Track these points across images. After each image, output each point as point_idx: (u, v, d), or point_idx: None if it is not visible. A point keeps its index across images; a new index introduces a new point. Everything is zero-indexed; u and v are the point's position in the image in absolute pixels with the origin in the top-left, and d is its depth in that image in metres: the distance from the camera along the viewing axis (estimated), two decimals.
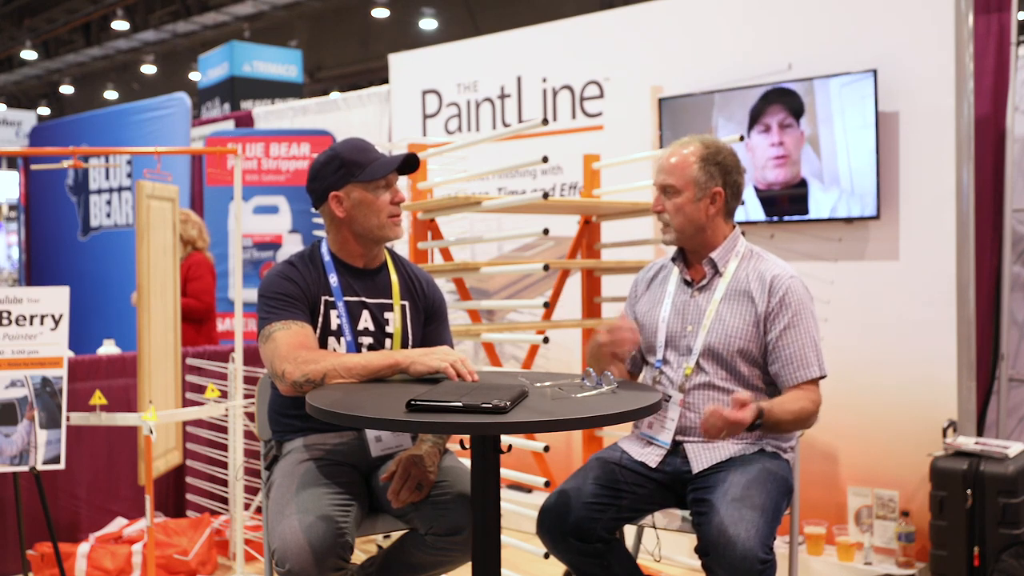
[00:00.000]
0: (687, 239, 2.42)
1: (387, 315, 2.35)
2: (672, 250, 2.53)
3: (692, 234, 2.40)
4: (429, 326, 2.44)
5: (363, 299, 2.34)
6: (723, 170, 2.40)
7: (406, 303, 2.39)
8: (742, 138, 3.59)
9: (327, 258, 2.36)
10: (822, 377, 2.35)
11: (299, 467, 2.20)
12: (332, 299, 2.31)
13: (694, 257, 2.46)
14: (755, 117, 3.77)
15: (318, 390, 2.05)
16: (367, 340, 2.31)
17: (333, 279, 2.32)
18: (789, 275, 2.38)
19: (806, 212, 3.67)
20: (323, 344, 2.28)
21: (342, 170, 2.30)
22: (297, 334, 2.19)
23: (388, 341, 2.34)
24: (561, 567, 2.41)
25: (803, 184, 3.67)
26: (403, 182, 3.89)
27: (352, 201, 2.30)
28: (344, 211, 2.31)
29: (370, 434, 2.29)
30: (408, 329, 2.37)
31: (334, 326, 2.29)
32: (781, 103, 3.70)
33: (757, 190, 3.79)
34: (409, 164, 2.35)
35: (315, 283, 2.30)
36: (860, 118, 3.50)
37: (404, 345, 2.35)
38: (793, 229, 3.76)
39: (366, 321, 2.32)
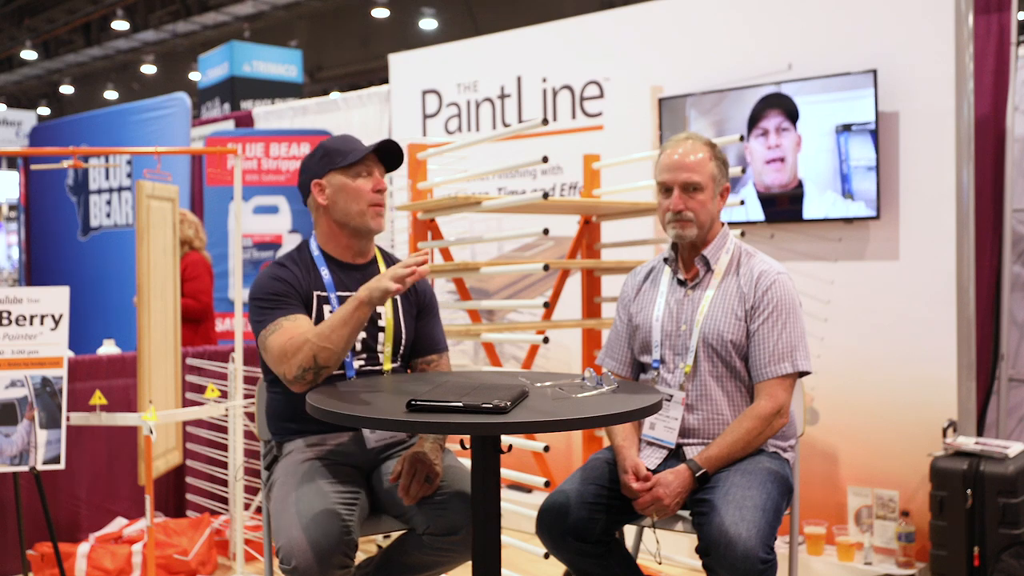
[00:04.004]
0: (701, 235, 2.42)
1: (378, 309, 2.34)
2: (662, 251, 2.55)
3: (707, 230, 2.43)
4: (420, 320, 2.43)
5: (354, 293, 2.33)
6: (726, 166, 2.46)
7: (397, 297, 2.39)
8: (742, 138, 3.59)
9: (316, 253, 2.36)
10: (801, 374, 2.36)
11: (302, 466, 2.20)
12: (325, 293, 2.31)
13: (688, 255, 2.46)
14: (753, 121, 3.77)
15: (318, 390, 2.05)
16: (360, 335, 2.31)
17: (325, 273, 2.32)
18: (777, 271, 2.39)
19: (804, 213, 3.67)
20: None
21: (324, 158, 2.32)
22: (285, 331, 2.18)
23: (381, 335, 2.33)
24: (561, 567, 2.41)
25: (801, 185, 3.67)
26: (402, 182, 3.89)
27: (333, 187, 2.31)
28: (326, 198, 2.32)
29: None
30: (400, 322, 2.37)
31: None
32: (778, 107, 3.70)
33: (757, 192, 3.78)
34: (392, 153, 2.35)
35: (306, 279, 2.30)
36: (860, 119, 3.50)
37: (397, 338, 2.35)
38: (793, 229, 3.76)
39: None
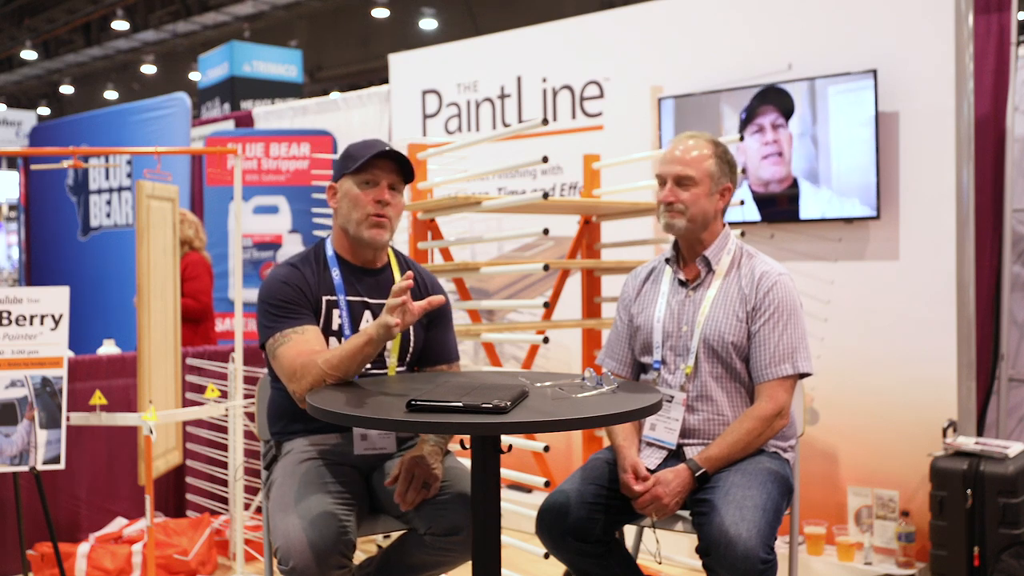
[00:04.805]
0: (693, 231, 2.42)
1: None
2: (664, 251, 2.55)
3: (700, 227, 2.42)
4: (431, 330, 2.39)
5: (364, 299, 2.32)
6: (732, 168, 2.47)
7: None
8: (742, 138, 3.59)
9: (330, 253, 2.35)
10: (802, 376, 2.36)
11: (300, 466, 2.20)
12: (334, 297, 2.29)
13: (689, 255, 2.47)
14: (748, 118, 3.76)
15: (318, 391, 2.05)
16: None
17: (336, 274, 2.31)
18: (778, 272, 2.40)
19: (804, 213, 3.67)
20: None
21: (342, 162, 2.32)
22: (295, 344, 2.18)
23: (388, 342, 2.32)
24: (561, 567, 2.41)
25: (796, 184, 3.67)
26: None
27: (341, 192, 2.31)
28: (335, 203, 2.33)
29: (356, 432, 2.28)
30: (409, 330, 2.34)
31: (335, 326, 2.28)
32: (774, 103, 3.70)
33: (754, 192, 3.78)
34: (401, 163, 2.30)
35: (316, 283, 2.29)
36: (859, 118, 3.50)
37: (405, 347, 2.34)
38: (793, 229, 3.76)
39: (367, 322, 2.30)
